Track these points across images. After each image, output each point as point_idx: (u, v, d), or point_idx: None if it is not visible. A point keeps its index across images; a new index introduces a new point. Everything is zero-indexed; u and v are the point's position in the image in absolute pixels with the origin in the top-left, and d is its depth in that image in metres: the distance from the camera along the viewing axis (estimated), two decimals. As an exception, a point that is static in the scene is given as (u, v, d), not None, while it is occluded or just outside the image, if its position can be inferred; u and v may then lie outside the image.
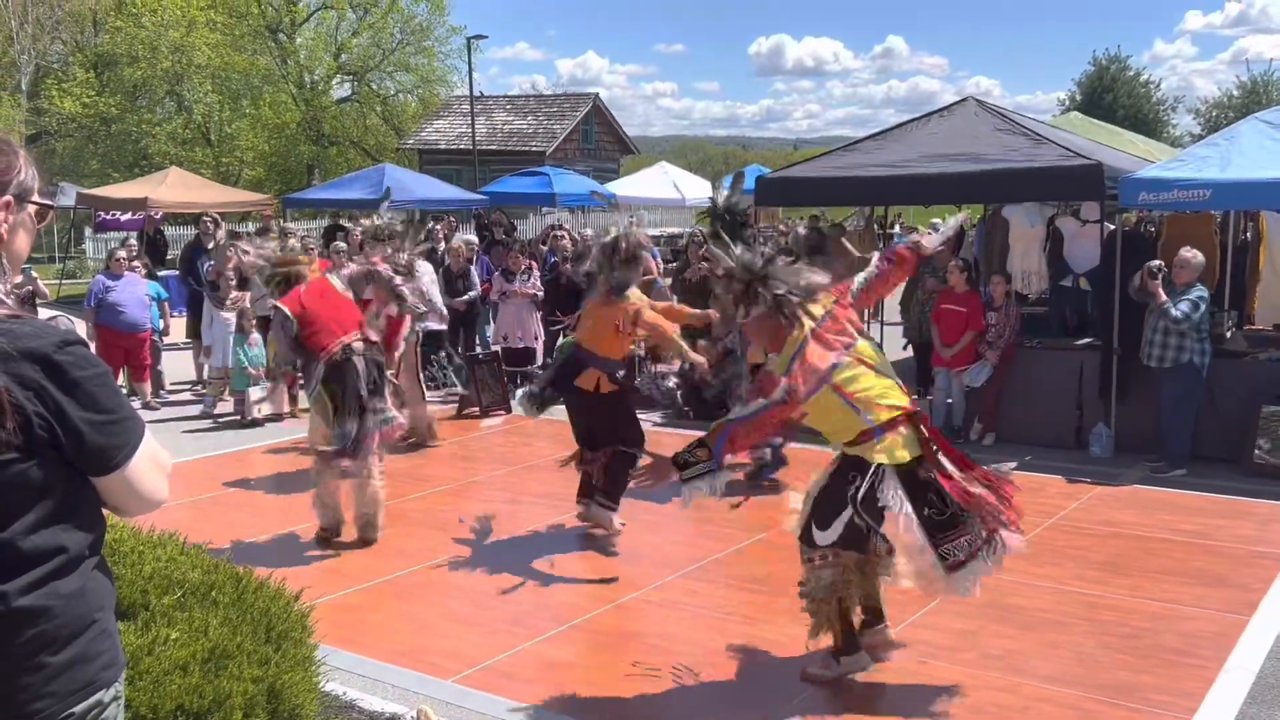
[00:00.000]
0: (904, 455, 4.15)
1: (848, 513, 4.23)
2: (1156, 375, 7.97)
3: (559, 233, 13.20)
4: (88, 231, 25.41)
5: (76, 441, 1.83)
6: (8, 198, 1.91)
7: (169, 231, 22.09)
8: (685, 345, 6.78)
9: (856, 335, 4.31)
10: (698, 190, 24.16)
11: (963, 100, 10.60)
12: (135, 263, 11.22)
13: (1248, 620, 5.14)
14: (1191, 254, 7.85)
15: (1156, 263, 7.95)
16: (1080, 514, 6.93)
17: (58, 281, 21.26)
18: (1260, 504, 7.13)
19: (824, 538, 4.33)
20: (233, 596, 3.30)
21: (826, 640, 4.51)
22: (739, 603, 5.45)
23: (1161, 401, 8.00)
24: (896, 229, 12.32)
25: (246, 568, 3.57)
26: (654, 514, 7.04)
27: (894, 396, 4.24)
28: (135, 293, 10.36)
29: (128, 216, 19.66)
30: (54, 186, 24.71)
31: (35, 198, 1.98)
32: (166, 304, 11.29)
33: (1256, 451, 7.83)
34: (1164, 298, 7.72)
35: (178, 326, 12.71)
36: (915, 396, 4.71)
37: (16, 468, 1.79)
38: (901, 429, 4.18)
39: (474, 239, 13.44)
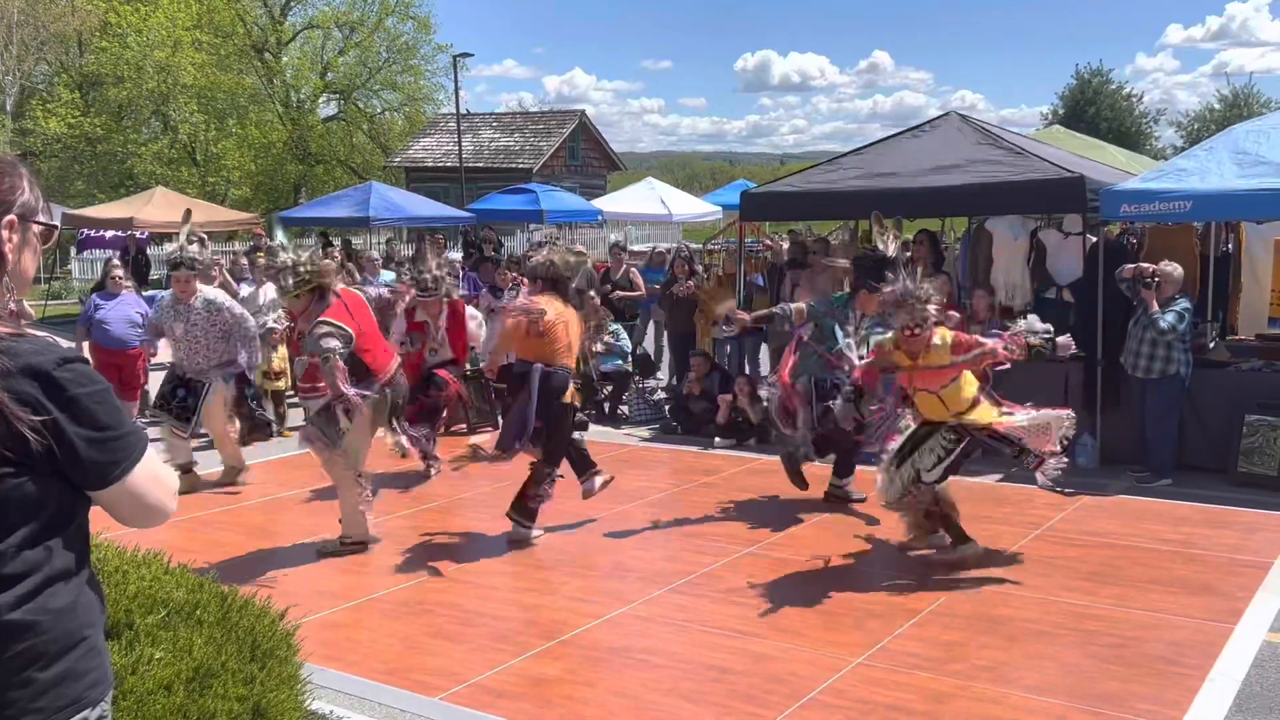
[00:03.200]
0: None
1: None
2: (1140, 386, 8.02)
3: (546, 249, 13.21)
4: (73, 252, 25.34)
5: (71, 456, 1.84)
6: (11, 217, 1.91)
7: (154, 251, 22.04)
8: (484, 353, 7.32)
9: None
10: (685, 206, 24.27)
11: (945, 115, 10.68)
12: (124, 281, 11.23)
13: (1233, 629, 5.16)
14: (1172, 267, 7.91)
15: (1150, 267, 8.00)
16: (1066, 524, 6.96)
17: (43, 302, 21.20)
18: (1244, 512, 7.17)
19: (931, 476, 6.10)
20: (218, 615, 3.30)
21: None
22: (728, 616, 5.45)
23: (1146, 412, 8.04)
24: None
25: (231, 586, 3.57)
26: (642, 528, 7.04)
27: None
28: (124, 310, 10.36)
29: (112, 234, 19.61)
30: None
31: (40, 217, 1.98)
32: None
33: (1241, 460, 7.88)
34: (1155, 306, 7.77)
35: (163, 345, 12.65)
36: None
37: (11, 482, 1.80)
38: None
39: (456, 256, 13.47)
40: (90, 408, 1.86)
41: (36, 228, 1.98)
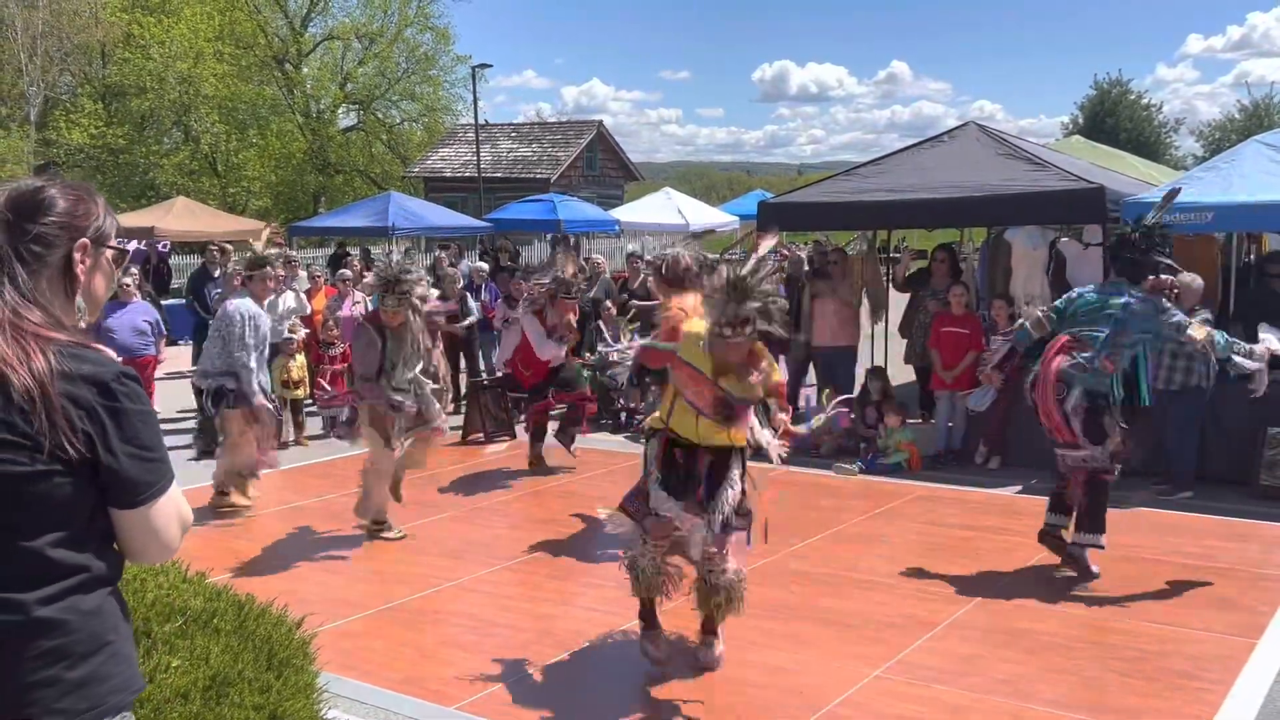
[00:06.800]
0: None
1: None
2: (1162, 398, 7.96)
3: (564, 258, 13.24)
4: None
5: (114, 468, 1.91)
6: (85, 240, 2.03)
7: (174, 261, 22.20)
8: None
9: None
10: (702, 216, 24.25)
11: (964, 125, 10.66)
12: (134, 290, 11.33)
13: (1255, 643, 5.11)
14: (1191, 278, 7.85)
15: (1168, 279, 7.94)
16: (1086, 537, 6.89)
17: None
18: (1267, 526, 7.10)
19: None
20: (234, 624, 3.31)
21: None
22: (745, 628, 5.41)
23: (1167, 424, 7.98)
24: (901, 253, 12.29)
25: (248, 595, 3.58)
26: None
27: None
28: (132, 319, 10.42)
29: (135, 246, 19.76)
30: None
31: (112, 242, 2.09)
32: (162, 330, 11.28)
33: (1263, 473, 7.81)
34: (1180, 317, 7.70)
35: (183, 354, 12.77)
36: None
37: (56, 480, 1.87)
38: None
39: (484, 265, 13.59)
40: (137, 424, 1.94)
41: (109, 252, 2.08)
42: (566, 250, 9.84)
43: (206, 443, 8.76)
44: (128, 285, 10.83)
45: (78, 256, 2.01)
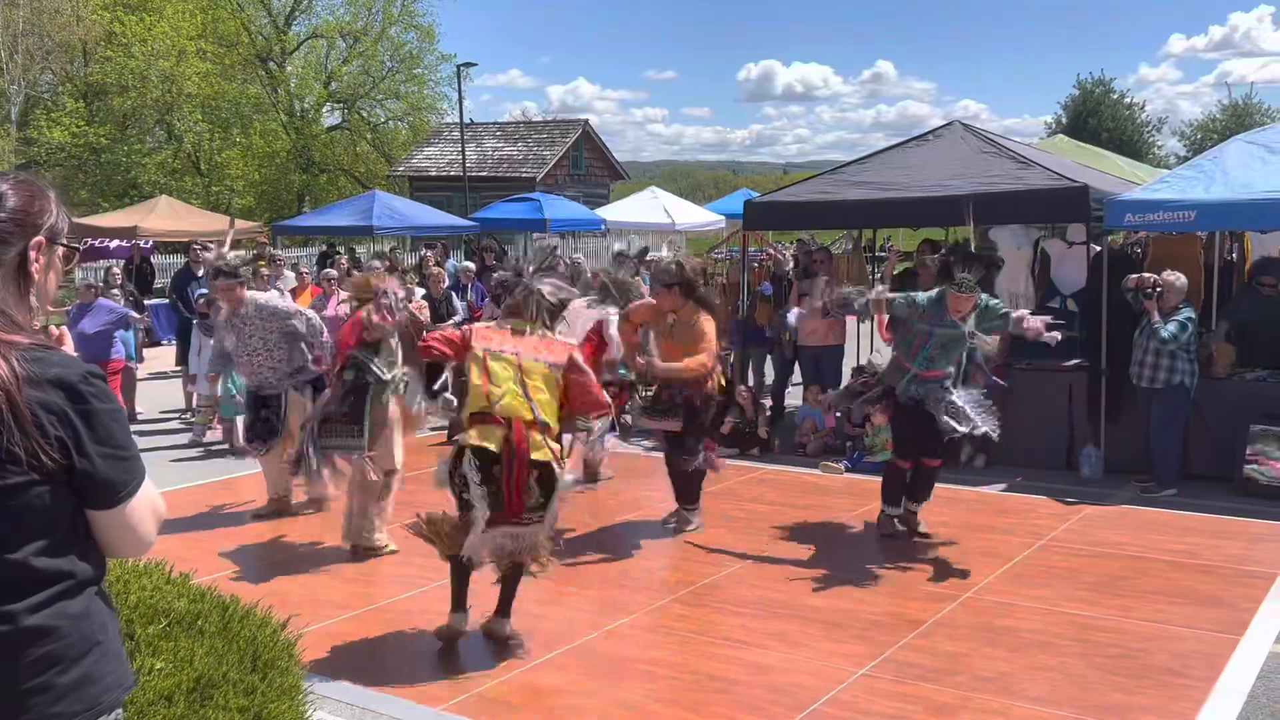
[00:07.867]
0: (491, 445, 4.88)
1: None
2: (1145, 396, 8.00)
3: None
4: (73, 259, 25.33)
5: (88, 470, 1.88)
6: (40, 238, 1.97)
7: (157, 260, 22.07)
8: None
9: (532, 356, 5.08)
10: (687, 215, 24.28)
11: (948, 124, 10.68)
12: (114, 291, 11.22)
13: (1238, 640, 5.14)
14: (1175, 277, 7.90)
15: (1152, 277, 7.99)
16: (1070, 535, 6.93)
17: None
18: (1250, 523, 7.15)
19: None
20: (219, 625, 3.29)
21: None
22: (731, 626, 5.43)
23: (1151, 422, 8.02)
24: (886, 252, 12.31)
25: (233, 596, 3.55)
26: (644, 538, 7.02)
27: (510, 406, 4.92)
28: (83, 325, 10.12)
29: (117, 244, 19.68)
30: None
31: (64, 240, 2.05)
32: (139, 333, 11.05)
33: (1246, 470, 7.86)
34: (1158, 316, 7.75)
35: (167, 354, 12.69)
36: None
37: (35, 490, 1.84)
38: (496, 428, 4.90)
39: (471, 265, 13.60)
40: (108, 424, 1.91)
41: (60, 249, 2.04)
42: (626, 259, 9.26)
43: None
44: (90, 285, 10.59)
45: (33, 255, 1.95)
